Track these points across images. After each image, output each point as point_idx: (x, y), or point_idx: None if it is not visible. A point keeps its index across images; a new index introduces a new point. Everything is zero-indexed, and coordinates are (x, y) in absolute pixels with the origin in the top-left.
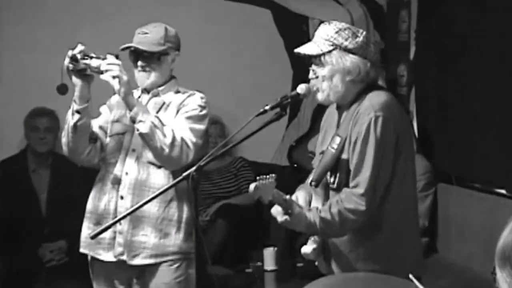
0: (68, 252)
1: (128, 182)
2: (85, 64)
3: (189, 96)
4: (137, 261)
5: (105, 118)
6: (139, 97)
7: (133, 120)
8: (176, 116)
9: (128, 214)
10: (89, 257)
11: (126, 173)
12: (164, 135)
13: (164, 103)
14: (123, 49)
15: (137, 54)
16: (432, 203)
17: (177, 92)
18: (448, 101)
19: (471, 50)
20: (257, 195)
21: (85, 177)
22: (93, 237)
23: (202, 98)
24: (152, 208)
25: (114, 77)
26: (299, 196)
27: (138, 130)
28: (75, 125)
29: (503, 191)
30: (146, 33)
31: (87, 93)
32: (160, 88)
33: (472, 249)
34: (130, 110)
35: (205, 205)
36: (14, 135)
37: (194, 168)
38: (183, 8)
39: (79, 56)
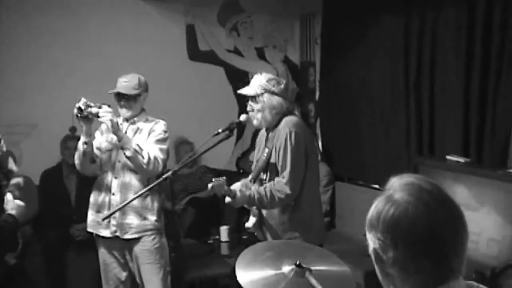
0: (88, 231)
1: (117, 183)
2: (88, 112)
3: (156, 123)
4: (127, 236)
5: (99, 140)
6: (121, 124)
7: (121, 148)
8: (148, 138)
9: (126, 204)
10: (94, 235)
11: (116, 177)
12: (143, 157)
13: (138, 128)
14: (111, 93)
15: (120, 96)
16: (331, 195)
17: (146, 120)
18: (341, 127)
19: (356, 93)
20: (213, 191)
21: None
22: (104, 219)
23: (164, 125)
24: (135, 201)
25: (109, 120)
26: (240, 184)
27: (125, 154)
28: (84, 151)
29: (377, 186)
30: (126, 81)
31: (90, 130)
32: (135, 118)
33: (357, 225)
34: (119, 141)
35: (179, 198)
36: (53, 152)
37: (170, 172)
38: (164, 64)
39: (83, 107)
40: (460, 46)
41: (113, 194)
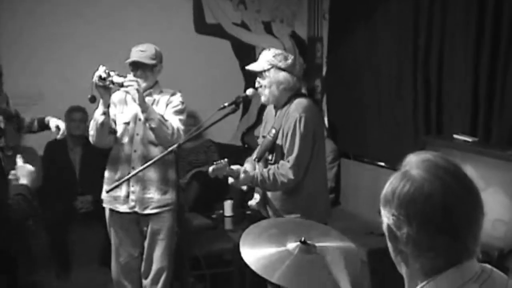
0: (93, 204)
1: (137, 157)
2: (110, 81)
3: (172, 95)
4: (147, 211)
5: (113, 112)
6: None
7: (146, 119)
8: (166, 110)
9: (131, 176)
10: (107, 210)
11: (135, 151)
12: (167, 128)
13: (154, 100)
14: (127, 62)
15: (136, 65)
16: (337, 171)
17: (161, 92)
18: (348, 103)
19: (364, 70)
20: (214, 175)
21: (105, 153)
22: (108, 191)
23: (181, 96)
24: (156, 175)
25: (135, 89)
26: (247, 167)
27: (150, 125)
28: (102, 122)
29: (383, 164)
30: (143, 50)
31: (109, 100)
32: (151, 90)
33: (362, 203)
34: (144, 112)
35: (184, 171)
36: None
37: (175, 145)
38: (171, 36)
39: (104, 75)
40: (470, 24)
41: (133, 168)
